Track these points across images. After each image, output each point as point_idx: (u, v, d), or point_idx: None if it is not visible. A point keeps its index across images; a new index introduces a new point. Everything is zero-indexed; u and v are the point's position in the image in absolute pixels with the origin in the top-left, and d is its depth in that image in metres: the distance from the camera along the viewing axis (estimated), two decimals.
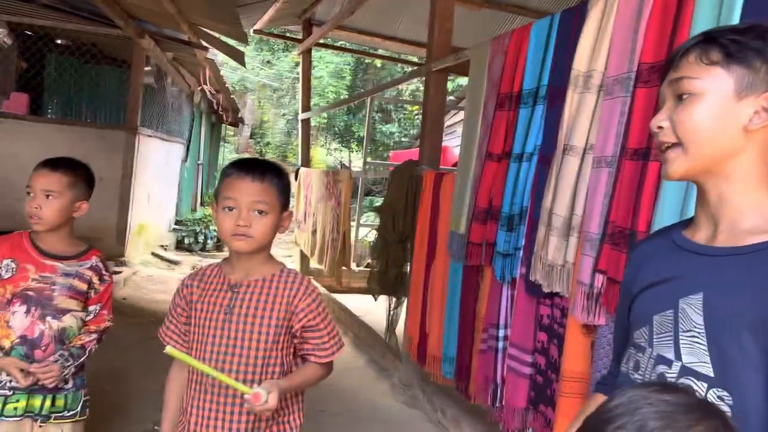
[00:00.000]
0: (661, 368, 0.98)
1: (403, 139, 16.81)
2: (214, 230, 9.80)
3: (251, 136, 21.84)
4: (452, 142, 9.66)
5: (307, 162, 7.66)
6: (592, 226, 2.05)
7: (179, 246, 9.42)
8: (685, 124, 0.98)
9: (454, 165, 7.69)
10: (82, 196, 1.97)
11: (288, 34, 9.88)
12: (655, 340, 1.01)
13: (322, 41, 7.49)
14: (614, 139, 2.01)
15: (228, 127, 16.21)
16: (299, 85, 7.80)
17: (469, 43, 3.42)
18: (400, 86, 13.83)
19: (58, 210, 1.88)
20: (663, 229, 1.17)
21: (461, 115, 10.17)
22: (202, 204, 12.44)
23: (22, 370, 1.79)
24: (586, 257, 2.06)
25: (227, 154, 18.17)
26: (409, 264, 3.89)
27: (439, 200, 3.37)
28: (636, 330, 1.06)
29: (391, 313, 4.06)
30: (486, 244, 2.73)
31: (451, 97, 9.89)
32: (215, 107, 11.74)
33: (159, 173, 8.38)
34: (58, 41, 7.89)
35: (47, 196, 1.86)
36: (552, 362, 2.33)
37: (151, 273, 7.19)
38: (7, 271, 1.86)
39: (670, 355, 0.98)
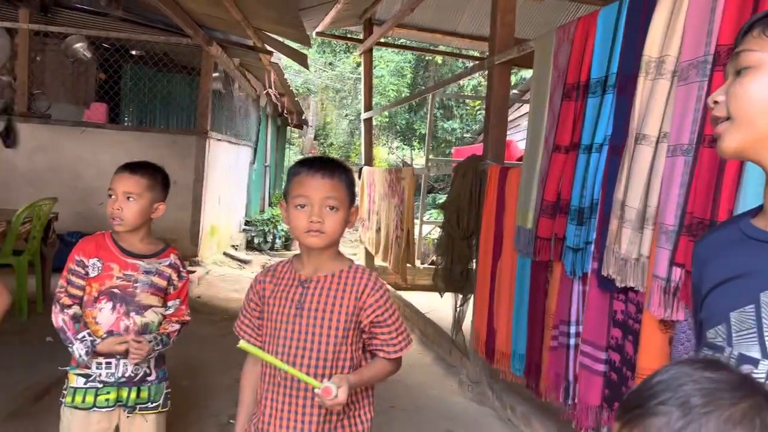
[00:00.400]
0: (746, 368, 0.91)
1: (465, 135, 16.66)
2: (282, 230, 10.04)
3: (315, 137, 22.20)
4: (516, 137, 9.50)
5: (369, 161, 7.72)
6: (667, 218, 1.97)
7: (249, 246, 9.70)
8: (738, 96, 0.94)
9: (519, 159, 7.56)
10: (160, 198, 2.06)
11: (349, 35, 9.98)
12: (734, 338, 0.95)
13: (382, 40, 7.52)
14: (690, 126, 1.92)
15: (293, 129, 16.55)
16: (361, 86, 7.87)
17: (532, 35, 3.36)
18: (461, 81, 13.70)
19: (137, 211, 1.97)
20: (728, 220, 1.10)
21: (525, 108, 9.98)
22: (270, 204, 12.76)
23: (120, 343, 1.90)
24: (662, 250, 1.98)
25: (292, 156, 18.56)
26: (474, 260, 3.85)
27: (505, 195, 3.32)
28: (710, 329, 1.00)
29: (458, 310, 4.04)
30: (555, 238, 2.67)
31: (515, 91, 9.73)
32: (280, 110, 12.01)
33: (229, 176, 8.66)
34: (133, 52, 8.27)
35: (128, 198, 1.96)
36: (627, 359, 2.26)
37: (224, 272, 7.44)
38: (94, 270, 1.97)
39: (756, 354, 0.92)
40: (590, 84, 2.50)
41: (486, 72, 3.99)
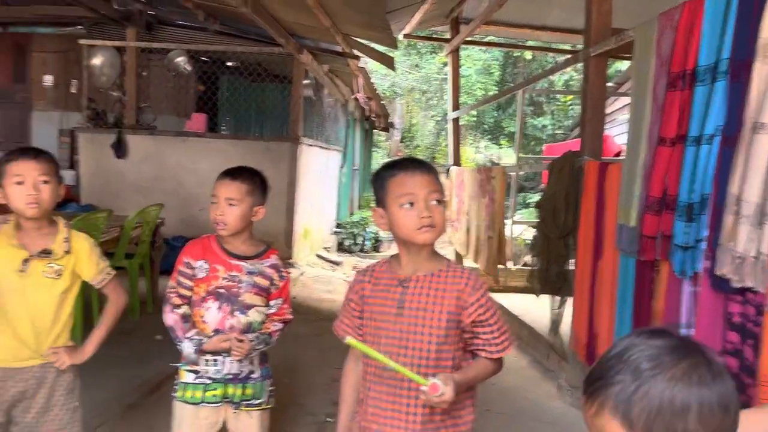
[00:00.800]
0: None
1: (556, 132, 16.17)
2: (371, 232, 10.17)
3: (401, 139, 22.32)
4: (613, 131, 9.10)
5: (457, 161, 7.65)
6: None
7: (340, 248, 9.89)
8: None
9: (616, 155, 7.24)
10: (259, 202, 2.13)
11: (433, 36, 9.96)
12: None
13: (469, 39, 7.44)
14: None
15: (379, 132, 16.73)
16: (446, 86, 7.83)
17: (628, 24, 3.19)
18: (552, 77, 13.31)
19: (239, 216, 2.05)
20: None
21: (621, 101, 9.54)
22: (359, 207, 12.96)
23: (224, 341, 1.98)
24: None
25: (379, 159, 18.76)
26: (572, 260, 3.72)
27: (605, 192, 3.18)
28: None
29: (555, 312, 3.91)
30: (661, 236, 2.53)
31: (610, 84, 9.32)
32: (367, 114, 12.18)
33: (320, 180, 8.87)
34: (229, 64, 8.68)
35: (230, 203, 2.04)
36: (746, 365, 2.09)
37: (317, 273, 7.62)
38: (201, 272, 2.06)
39: None
40: (698, 72, 2.35)
41: (580, 65, 3.84)
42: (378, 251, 9.96)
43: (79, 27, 8.27)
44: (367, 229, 10.20)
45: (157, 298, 5.36)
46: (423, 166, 1.57)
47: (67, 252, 1.93)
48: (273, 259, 2.16)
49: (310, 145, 7.98)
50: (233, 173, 2.10)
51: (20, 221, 1.89)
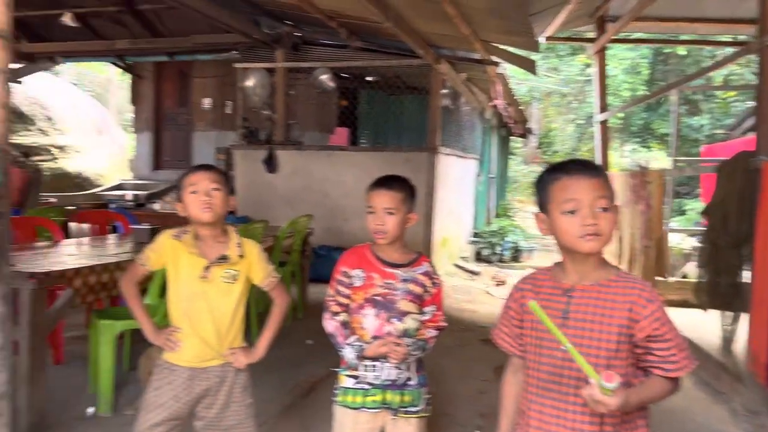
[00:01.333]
0: None
1: (715, 132, 14.80)
2: (510, 241, 9.93)
3: (538, 145, 21.68)
4: None
5: (606, 165, 7.25)
6: None
7: (478, 257, 9.76)
8: None
9: None
10: (412, 209, 2.14)
11: (574, 37, 9.56)
12: None
13: (615, 37, 7.05)
14: None
15: (516, 138, 16.38)
16: (589, 88, 7.49)
17: None
18: (710, 72, 12.21)
19: (397, 224, 2.07)
20: None
21: None
22: (497, 216, 12.74)
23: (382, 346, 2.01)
24: None
25: (515, 166, 18.35)
26: (746, 271, 3.34)
27: None
28: None
29: (727, 329, 3.54)
30: None
31: None
32: (504, 121, 11.97)
33: (457, 189, 8.84)
34: (368, 78, 8.95)
35: (388, 212, 2.07)
36: None
37: (456, 283, 7.58)
38: (358, 280, 2.11)
39: None
40: None
41: (748, 57, 3.47)
42: (518, 261, 9.69)
43: (234, 52, 8.97)
44: (505, 239, 9.97)
45: (307, 304, 5.61)
46: (589, 169, 1.47)
47: (241, 257, 2.07)
48: (425, 266, 2.16)
49: (448, 155, 7.98)
50: (387, 183, 2.13)
51: (198, 231, 2.06)
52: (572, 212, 1.44)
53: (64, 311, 3.05)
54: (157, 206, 8.82)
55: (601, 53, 7.22)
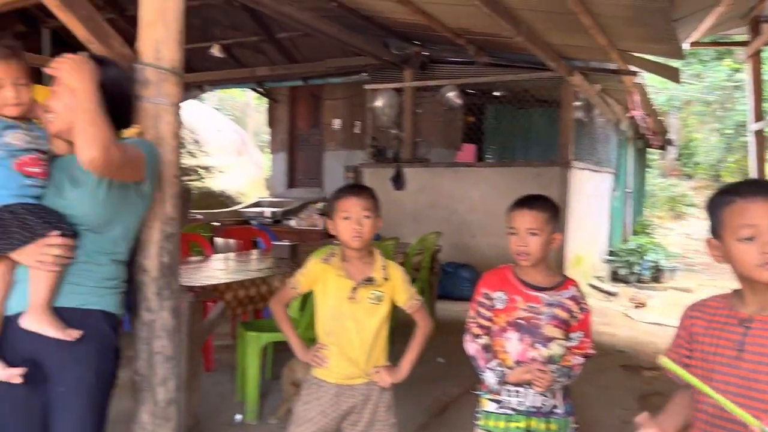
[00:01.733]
0: None
1: None
2: (650, 260, 9.31)
3: (677, 157, 20.21)
4: None
5: (762, 179, 6.60)
6: None
7: (614, 277, 9.25)
8: None
9: None
10: (556, 229, 2.07)
11: (725, 41, 8.84)
12: None
13: None
14: None
15: (653, 150, 15.38)
16: (739, 94, 6.86)
17: None
18: None
19: (541, 245, 2.01)
20: None
21: None
22: (634, 233, 12.02)
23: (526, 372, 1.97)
24: None
25: (653, 180, 17.23)
26: None
27: None
28: None
29: None
30: None
31: None
32: (641, 132, 11.31)
33: (591, 204, 8.46)
34: (495, 93, 8.85)
35: (531, 233, 2.01)
36: None
37: (591, 304, 7.19)
38: (499, 303, 2.06)
39: None
40: None
41: None
42: (658, 282, 9.05)
43: (364, 74, 9.28)
44: (645, 258, 9.36)
45: (437, 322, 5.60)
46: (767, 191, 1.34)
47: (386, 279, 2.11)
48: (572, 290, 2.07)
49: (581, 169, 7.67)
50: (530, 202, 2.07)
51: (345, 252, 2.13)
52: (750, 239, 1.32)
53: (217, 322, 3.28)
54: (293, 223, 9.28)
55: (756, 57, 6.61)
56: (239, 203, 12.25)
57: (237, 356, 3.65)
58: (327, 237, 8.25)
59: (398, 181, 7.86)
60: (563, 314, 2.03)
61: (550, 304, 2.02)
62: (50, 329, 1.65)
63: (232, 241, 5.95)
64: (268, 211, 10.18)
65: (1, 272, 1.70)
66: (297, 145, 11.88)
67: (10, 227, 1.65)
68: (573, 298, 2.05)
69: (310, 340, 2.20)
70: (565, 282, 2.09)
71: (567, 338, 2.04)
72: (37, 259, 1.65)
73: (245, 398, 3.39)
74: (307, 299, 3.08)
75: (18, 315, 1.69)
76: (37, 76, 2.28)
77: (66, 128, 1.76)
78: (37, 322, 1.66)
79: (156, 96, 1.87)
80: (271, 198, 11.80)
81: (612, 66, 6.77)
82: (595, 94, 7.74)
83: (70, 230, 1.69)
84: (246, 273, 3.65)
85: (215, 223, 7.87)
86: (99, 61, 1.79)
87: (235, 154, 13.89)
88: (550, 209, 2.08)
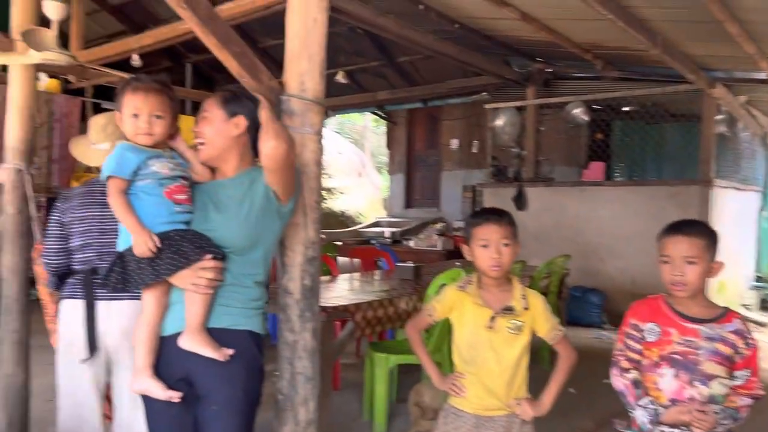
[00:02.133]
0: None
1: None
2: None
3: None
4: None
5: None
6: None
7: (763, 305, 8.38)
8: None
9: None
10: (714, 256, 1.90)
11: None
12: None
13: None
14: None
15: None
16: None
17: None
18: None
19: (699, 275, 1.86)
20: None
21: None
22: None
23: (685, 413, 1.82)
24: None
25: None
26: None
27: None
28: None
29: None
30: None
31: None
32: None
33: (735, 225, 7.75)
34: (624, 108, 8.42)
35: (688, 262, 1.86)
36: None
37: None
38: (651, 335, 1.92)
39: None
40: None
41: None
42: None
43: (484, 94, 9.20)
44: None
45: None
46: None
47: (526, 308, 2.03)
48: (736, 323, 1.88)
49: (724, 187, 7.06)
50: (685, 228, 1.92)
51: (483, 279, 2.07)
52: None
53: (347, 342, 3.33)
54: (411, 243, 9.33)
55: None
56: (358, 223, 12.56)
57: (364, 376, 3.69)
58: (447, 258, 8.21)
59: (520, 201, 7.66)
60: (726, 350, 1.84)
61: (710, 338, 1.85)
62: (207, 349, 1.74)
63: (356, 260, 6.07)
64: (387, 231, 10.32)
65: (159, 295, 1.79)
66: (414, 165, 12.00)
67: (166, 253, 1.74)
68: (738, 333, 1.86)
69: (436, 364, 2.17)
70: (728, 314, 1.90)
71: (730, 377, 1.85)
72: (192, 282, 1.74)
73: (374, 418, 3.41)
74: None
75: (174, 335, 1.78)
76: (181, 106, 2.46)
77: (216, 154, 1.87)
78: (194, 342, 1.75)
79: (301, 126, 1.94)
80: (389, 218, 11.97)
81: (761, 75, 6.21)
82: (739, 106, 7.13)
83: (220, 254, 1.77)
84: (372, 293, 3.69)
85: (337, 243, 8.09)
86: (250, 98, 1.89)
87: (355, 175, 14.31)
88: (709, 235, 1.92)
